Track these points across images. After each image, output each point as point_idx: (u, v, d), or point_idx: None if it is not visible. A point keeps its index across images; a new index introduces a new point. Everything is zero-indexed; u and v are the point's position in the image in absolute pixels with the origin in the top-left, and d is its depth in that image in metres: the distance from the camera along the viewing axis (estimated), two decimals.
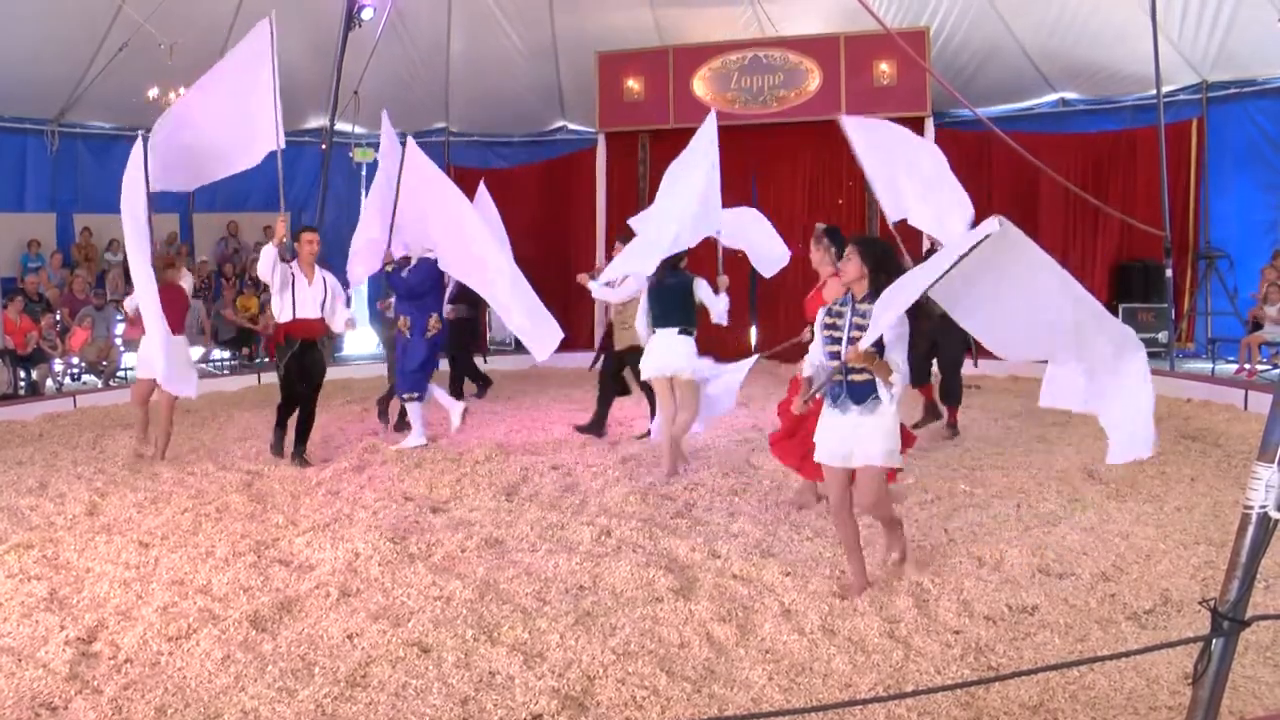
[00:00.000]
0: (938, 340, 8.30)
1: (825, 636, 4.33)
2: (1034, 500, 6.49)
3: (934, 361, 9.01)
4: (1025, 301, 4.07)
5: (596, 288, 8.59)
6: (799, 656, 4.13)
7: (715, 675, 3.98)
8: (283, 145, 7.81)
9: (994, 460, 7.71)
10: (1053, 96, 14.87)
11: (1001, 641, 4.27)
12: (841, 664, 4.04)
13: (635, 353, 8.43)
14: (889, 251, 4.87)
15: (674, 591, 4.88)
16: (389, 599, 4.89)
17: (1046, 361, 4.35)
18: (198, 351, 12.98)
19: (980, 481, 7.03)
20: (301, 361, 8.07)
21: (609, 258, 8.88)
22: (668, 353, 7.45)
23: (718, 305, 7.62)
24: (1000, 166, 14.58)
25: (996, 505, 6.39)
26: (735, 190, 15.45)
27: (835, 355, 4.72)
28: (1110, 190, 13.83)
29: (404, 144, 8.83)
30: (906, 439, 6.68)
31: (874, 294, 4.60)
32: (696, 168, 7.68)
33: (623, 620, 4.53)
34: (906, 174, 8.17)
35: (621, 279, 8.24)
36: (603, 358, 9.55)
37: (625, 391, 9.31)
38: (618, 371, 9.10)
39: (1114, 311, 13.44)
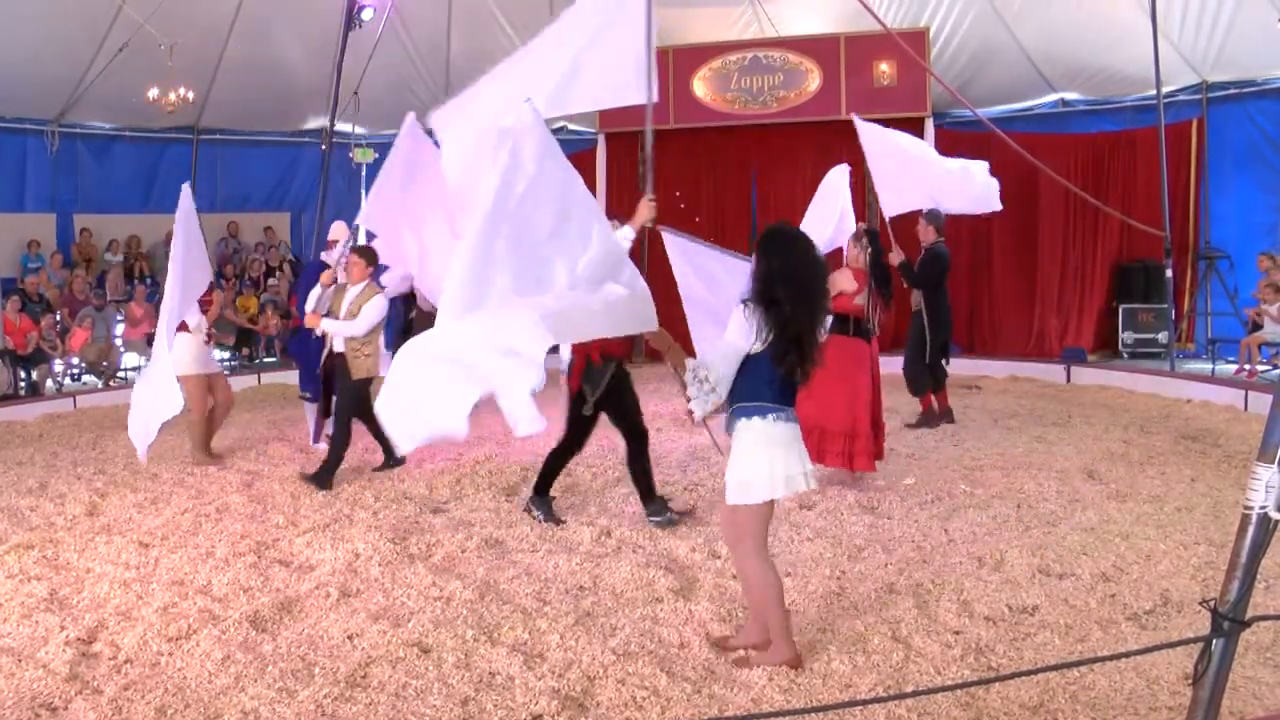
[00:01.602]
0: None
1: (825, 636, 4.33)
2: (1034, 501, 6.49)
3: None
4: None
5: (335, 325, 7.48)
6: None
7: (715, 675, 3.98)
8: (655, 99, 6.00)
9: (994, 460, 7.71)
10: (1053, 97, 14.85)
11: (1002, 642, 4.27)
12: (841, 664, 4.04)
13: (369, 382, 7.47)
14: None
15: (674, 592, 4.88)
16: (389, 599, 4.90)
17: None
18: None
19: (980, 482, 7.03)
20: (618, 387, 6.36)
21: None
22: None
23: None
24: (1000, 167, 14.44)
25: (996, 505, 6.39)
26: (735, 190, 15.56)
27: None
28: (1110, 191, 13.81)
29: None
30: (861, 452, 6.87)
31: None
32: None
33: (623, 620, 4.53)
34: (909, 168, 8.64)
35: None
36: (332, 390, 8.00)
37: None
38: (363, 404, 7.46)
39: (1114, 313, 13.50)
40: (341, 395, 7.65)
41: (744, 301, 3.95)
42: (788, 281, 3.88)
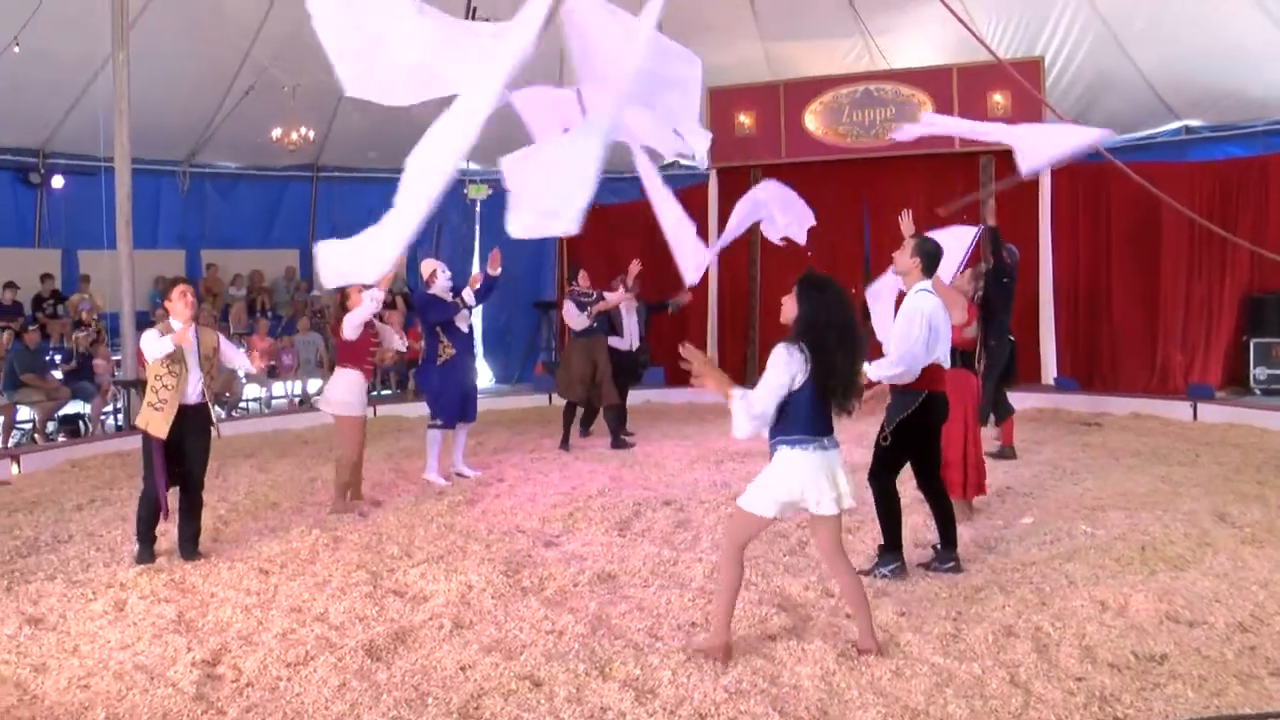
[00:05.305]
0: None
1: (942, 680, 4.21)
2: (1160, 543, 6.21)
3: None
4: None
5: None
6: (914, 700, 4.02)
7: (828, 716, 3.90)
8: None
9: (1115, 500, 7.43)
10: (1175, 124, 14.41)
11: (1128, 691, 4.08)
12: (959, 709, 3.92)
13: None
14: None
15: (787, 630, 4.82)
16: (501, 632, 4.93)
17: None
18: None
19: (1101, 523, 6.78)
20: None
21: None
22: None
23: None
24: (1120, 198, 14.16)
25: (1119, 547, 6.14)
26: (848, 224, 15.34)
27: None
28: (1240, 220, 13.27)
29: None
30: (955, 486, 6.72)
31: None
32: None
33: (735, 658, 4.49)
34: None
35: None
36: None
37: None
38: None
39: (1244, 347, 12.93)
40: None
41: (785, 343, 4.37)
42: (814, 329, 4.36)
